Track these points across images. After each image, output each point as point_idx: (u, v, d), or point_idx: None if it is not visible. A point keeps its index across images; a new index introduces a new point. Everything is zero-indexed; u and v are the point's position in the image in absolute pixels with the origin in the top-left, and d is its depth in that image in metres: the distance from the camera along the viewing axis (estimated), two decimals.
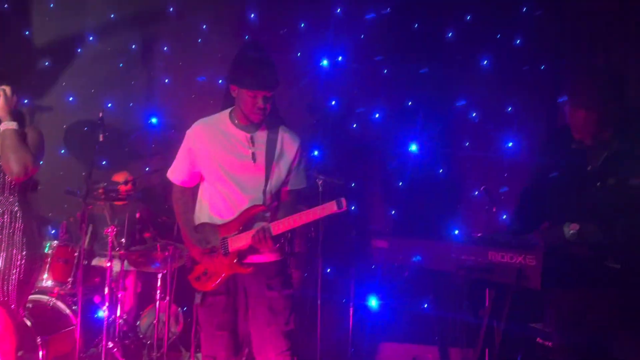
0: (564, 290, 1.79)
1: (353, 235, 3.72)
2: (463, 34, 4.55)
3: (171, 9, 4.92)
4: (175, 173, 2.54)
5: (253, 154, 2.34)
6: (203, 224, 2.39)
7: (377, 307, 3.93)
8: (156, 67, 4.99)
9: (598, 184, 1.87)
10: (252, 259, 2.34)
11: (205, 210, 2.43)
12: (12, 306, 2.24)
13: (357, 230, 3.91)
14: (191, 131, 2.48)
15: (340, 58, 4.73)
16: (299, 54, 4.81)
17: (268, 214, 2.33)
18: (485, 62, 4.49)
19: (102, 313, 3.60)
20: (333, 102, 4.77)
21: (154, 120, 4.90)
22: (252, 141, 2.37)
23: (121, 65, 4.97)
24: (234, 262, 2.30)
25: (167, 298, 3.76)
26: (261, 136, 2.38)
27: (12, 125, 2.22)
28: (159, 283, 4.02)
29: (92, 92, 4.91)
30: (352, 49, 4.75)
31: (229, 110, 2.45)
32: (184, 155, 2.49)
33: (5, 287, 2.21)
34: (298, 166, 2.44)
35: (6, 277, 2.22)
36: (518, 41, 4.45)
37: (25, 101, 4.65)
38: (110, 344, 3.64)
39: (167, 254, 3.68)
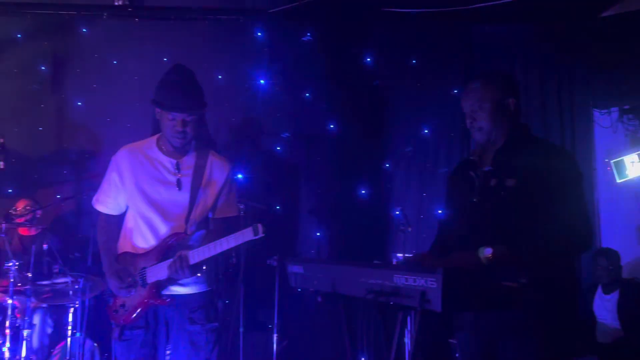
0: (461, 311, 1.85)
1: (273, 260, 3.67)
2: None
3: (84, 30, 4.75)
4: (100, 200, 2.43)
5: (178, 180, 2.28)
6: (124, 254, 2.29)
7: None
8: (68, 89, 4.77)
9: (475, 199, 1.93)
10: (173, 289, 2.24)
11: (129, 239, 2.34)
12: None
13: (280, 254, 3.87)
14: (116, 156, 2.39)
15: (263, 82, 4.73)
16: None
17: (192, 242, 2.25)
18: None
19: (5, 353, 3.33)
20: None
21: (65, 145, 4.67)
22: (178, 167, 2.31)
23: (33, 87, 4.69)
24: (152, 293, 2.20)
25: (80, 333, 3.53)
26: (188, 162, 2.32)
27: None
28: (70, 318, 3.80)
29: None
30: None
31: (157, 135, 2.37)
32: (108, 181, 2.39)
33: None
34: (227, 193, 2.38)
35: None
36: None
37: None
38: None
39: (77, 286, 3.48)
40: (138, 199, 2.29)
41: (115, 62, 4.75)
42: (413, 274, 1.70)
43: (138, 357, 2.22)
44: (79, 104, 4.74)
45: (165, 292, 2.23)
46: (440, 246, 2.12)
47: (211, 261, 2.20)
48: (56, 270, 3.82)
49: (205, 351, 2.24)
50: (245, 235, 2.05)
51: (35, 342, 3.89)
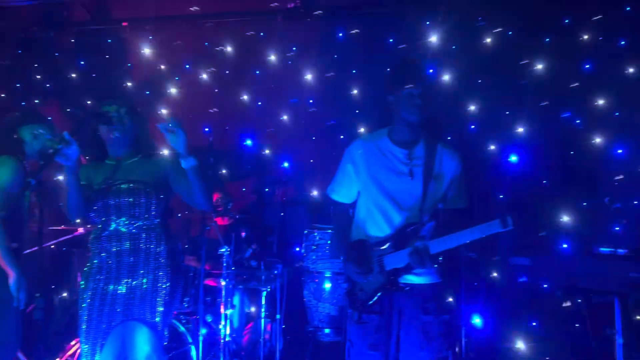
0: None
1: (473, 253, 3.63)
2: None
3: (262, 34, 5.08)
4: (335, 189, 2.57)
5: (410, 170, 2.34)
6: (359, 241, 2.41)
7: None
8: (248, 90, 5.14)
9: None
10: (409, 279, 2.32)
11: (361, 227, 2.44)
12: (160, 328, 2.32)
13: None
14: (350, 148, 2.51)
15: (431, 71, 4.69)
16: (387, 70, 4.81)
17: (425, 233, 2.31)
18: None
19: (222, 331, 3.69)
20: None
21: (248, 142, 5.05)
22: (409, 157, 2.36)
23: (216, 90, 5.15)
24: (389, 281, 2.29)
25: (278, 316, 3.80)
26: (419, 152, 2.37)
27: (194, 161, 2.31)
28: (263, 301, 4.10)
29: (190, 117, 5.12)
30: None
31: (388, 127, 2.47)
32: (343, 171, 2.52)
33: (153, 308, 2.30)
34: (458, 184, 2.39)
35: (154, 298, 2.32)
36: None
37: None
38: None
39: (276, 272, 3.75)
40: (372, 188, 2.38)
41: (289, 62, 5.03)
42: None
43: (373, 341, 2.30)
44: (259, 104, 5.10)
45: (402, 280, 2.30)
46: None
47: (447, 253, 2.22)
48: (250, 256, 4.16)
49: (437, 342, 2.27)
50: (492, 227, 2.04)
51: (235, 322, 4.28)
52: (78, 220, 3.41)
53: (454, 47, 4.60)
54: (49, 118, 3.19)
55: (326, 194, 2.62)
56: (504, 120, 4.45)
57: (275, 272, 3.71)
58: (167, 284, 2.36)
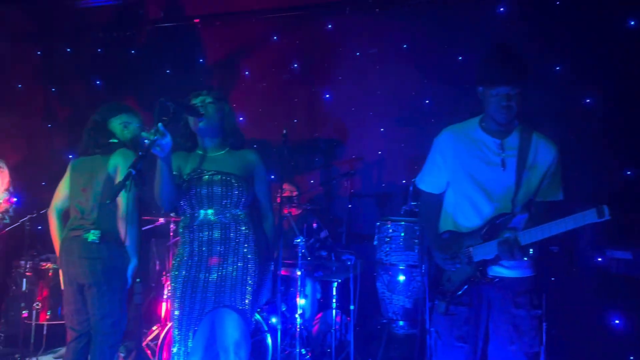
0: None
1: (554, 247, 3.50)
2: None
3: (329, 26, 5.09)
4: (424, 180, 2.54)
5: (503, 160, 2.27)
6: (447, 232, 2.38)
7: None
8: (317, 82, 5.16)
9: None
10: (499, 271, 2.26)
11: (450, 218, 2.40)
12: (248, 315, 2.38)
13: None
14: (439, 138, 2.47)
15: None
16: (460, 58, 4.70)
17: (516, 224, 2.24)
18: None
19: (298, 320, 3.74)
20: None
21: (316, 134, 5.09)
22: (502, 147, 2.29)
23: (285, 84, 5.21)
24: (478, 272, 2.25)
25: (354, 307, 3.80)
26: (512, 142, 2.30)
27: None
28: (334, 291, 4.12)
29: (260, 111, 5.20)
30: None
31: (480, 116, 2.41)
32: (432, 162, 2.49)
33: (243, 296, 2.36)
34: (552, 175, 2.30)
35: (243, 286, 2.37)
36: None
37: None
38: (304, 351, 3.77)
39: (349, 263, 3.76)
40: (462, 179, 2.34)
41: (357, 53, 5.01)
42: None
43: (461, 333, 2.27)
44: (327, 96, 5.12)
45: (491, 272, 2.25)
46: None
47: (538, 245, 2.14)
48: (320, 246, 4.19)
49: (529, 337, 2.20)
50: (587, 217, 1.94)
51: (307, 312, 4.32)
52: (163, 211, 3.58)
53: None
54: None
55: (414, 183, 2.59)
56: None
57: (349, 263, 3.71)
58: (256, 273, 2.41)
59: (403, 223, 3.59)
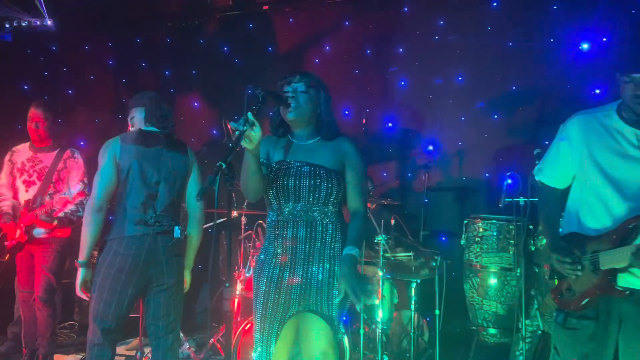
0: None
1: None
2: None
3: (405, 9, 4.78)
4: (545, 172, 2.23)
5: None
6: (571, 234, 2.08)
7: None
8: (389, 69, 4.88)
9: None
10: (631, 282, 1.94)
11: (574, 217, 2.10)
12: (336, 322, 2.16)
13: None
14: (567, 124, 2.17)
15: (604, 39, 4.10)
16: (551, 40, 4.29)
17: None
18: None
19: (380, 325, 3.52)
20: (597, 91, 4.14)
21: (389, 124, 4.81)
22: None
23: (357, 71, 4.97)
24: (606, 282, 1.93)
25: (438, 311, 3.52)
26: None
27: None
28: (412, 292, 3.86)
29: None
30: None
31: (618, 102, 2.09)
32: (557, 150, 2.19)
33: (330, 301, 2.14)
34: None
35: (330, 290, 2.16)
36: None
37: None
38: (386, 358, 3.54)
39: (434, 263, 3.48)
40: (591, 172, 2.02)
41: (436, 37, 4.68)
42: None
43: (586, 350, 1.96)
44: (402, 83, 4.82)
45: (621, 283, 1.92)
46: None
47: None
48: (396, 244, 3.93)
49: None
50: None
51: (385, 313, 4.08)
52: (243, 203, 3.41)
53: None
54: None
55: (533, 175, 2.27)
56: None
57: (433, 263, 3.43)
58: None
59: (495, 222, 3.27)
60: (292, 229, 2.15)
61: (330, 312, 2.13)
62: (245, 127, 1.87)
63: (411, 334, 3.79)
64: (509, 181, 3.23)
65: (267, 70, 5.17)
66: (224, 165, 1.69)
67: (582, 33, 4.14)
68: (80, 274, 2.67)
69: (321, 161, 2.19)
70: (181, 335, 3.89)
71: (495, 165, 4.47)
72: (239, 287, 3.80)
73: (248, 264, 3.88)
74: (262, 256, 2.23)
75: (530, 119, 4.34)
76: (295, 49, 5.16)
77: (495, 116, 4.48)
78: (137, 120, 2.85)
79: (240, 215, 4.05)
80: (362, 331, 3.27)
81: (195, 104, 5.56)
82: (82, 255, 2.65)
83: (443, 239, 4.56)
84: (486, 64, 4.46)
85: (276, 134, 2.31)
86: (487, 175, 4.52)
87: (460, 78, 4.60)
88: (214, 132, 5.43)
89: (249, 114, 1.90)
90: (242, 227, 4.10)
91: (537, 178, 2.24)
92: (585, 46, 4.14)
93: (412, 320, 3.82)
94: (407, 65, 4.80)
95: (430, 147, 4.63)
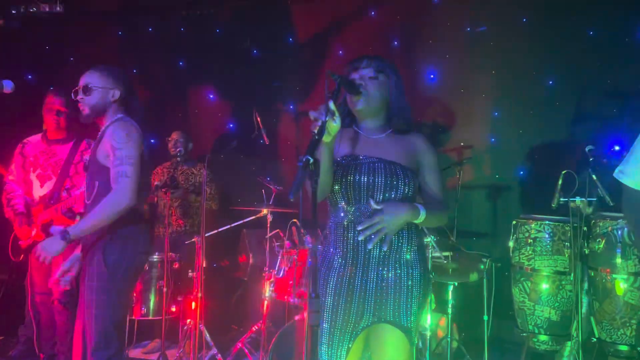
0: None
1: None
2: None
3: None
4: (629, 173, 1.99)
5: None
6: None
7: None
8: (420, 62, 4.68)
9: None
10: None
11: None
12: (413, 334, 1.95)
13: None
14: None
15: None
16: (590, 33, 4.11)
17: None
18: None
19: (428, 333, 3.34)
20: None
21: (418, 119, 4.61)
22: None
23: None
24: None
25: (486, 317, 3.34)
26: None
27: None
28: (449, 296, 3.67)
29: None
30: None
31: None
32: None
33: (408, 311, 1.92)
34: None
35: (407, 299, 1.93)
36: None
37: None
38: None
39: (482, 267, 3.30)
40: None
41: (468, 29, 4.49)
42: None
43: None
44: (432, 76, 4.63)
45: None
46: None
47: None
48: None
49: None
50: None
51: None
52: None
53: None
54: None
55: (615, 177, 2.06)
56: None
57: (482, 267, 3.24)
58: (422, 283, 1.96)
59: (549, 222, 3.09)
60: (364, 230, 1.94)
61: (409, 324, 1.92)
62: (327, 117, 1.66)
63: (448, 339, 3.61)
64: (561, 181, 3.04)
65: (286, 62, 4.94)
66: (311, 160, 1.48)
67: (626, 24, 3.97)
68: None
69: (395, 158, 1.98)
70: (208, 338, 3.68)
71: (531, 162, 4.29)
72: (268, 289, 3.60)
73: (277, 264, 3.68)
74: (327, 262, 2.02)
75: (567, 114, 4.16)
76: (317, 40, 4.93)
77: (530, 112, 4.30)
78: None
79: (265, 214, 3.84)
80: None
81: (211, 96, 5.32)
82: None
83: (474, 239, 4.38)
84: (521, 56, 4.27)
85: (342, 125, 2.09)
86: (521, 173, 4.35)
87: (493, 71, 4.41)
88: (230, 125, 5.20)
89: (330, 103, 1.69)
90: (268, 225, 3.89)
91: (620, 180, 2.03)
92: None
93: (449, 325, 3.64)
94: (436, 58, 4.60)
95: (462, 144, 4.45)
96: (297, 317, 3.09)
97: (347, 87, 1.89)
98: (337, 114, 1.71)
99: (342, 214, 1.98)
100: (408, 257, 1.96)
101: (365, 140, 2.04)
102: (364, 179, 1.94)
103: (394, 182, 1.93)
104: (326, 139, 1.74)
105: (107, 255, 2.35)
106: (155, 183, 4.28)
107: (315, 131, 1.62)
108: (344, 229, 1.97)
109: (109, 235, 2.35)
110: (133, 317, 3.71)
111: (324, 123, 1.64)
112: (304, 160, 1.47)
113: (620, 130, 3.66)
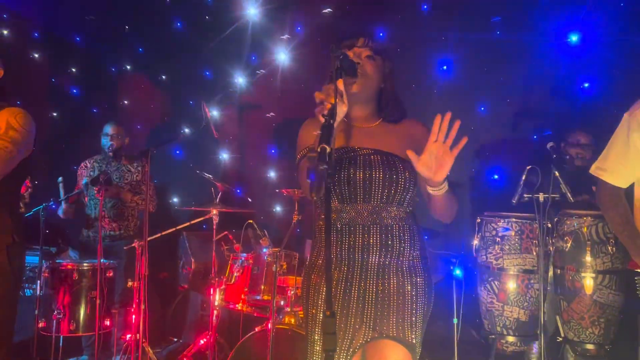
0: None
1: None
2: None
3: None
4: (608, 169, 1.97)
5: None
6: None
7: None
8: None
9: None
10: None
11: None
12: (417, 350, 1.73)
13: None
14: (636, 114, 1.91)
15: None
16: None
17: None
18: None
19: None
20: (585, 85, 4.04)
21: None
22: None
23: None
24: None
25: (456, 320, 3.19)
26: None
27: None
28: None
29: None
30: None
31: None
32: (625, 145, 1.92)
33: (411, 325, 1.69)
34: None
35: (411, 311, 1.70)
36: None
37: None
38: None
39: (452, 267, 3.17)
40: None
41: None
42: None
43: None
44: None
45: None
46: None
47: None
48: None
49: None
50: None
51: None
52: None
53: None
54: None
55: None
56: None
57: (451, 267, 3.11)
58: (426, 293, 1.74)
59: (515, 220, 3.02)
60: (362, 235, 1.70)
61: (413, 339, 1.70)
62: (336, 101, 1.40)
63: None
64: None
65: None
66: (328, 149, 1.21)
67: (569, 25, 4.03)
68: None
69: (392, 149, 1.76)
70: (153, 356, 3.28)
71: (483, 160, 4.26)
72: (218, 297, 3.27)
73: (228, 271, 3.36)
74: (316, 270, 1.76)
75: (516, 112, 4.17)
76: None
77: (482, 108, 4.27)
78: None
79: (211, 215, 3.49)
80: None
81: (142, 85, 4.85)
82: None
83: (425, 237, 4.27)
84: (473, 55, 4.22)
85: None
86: (472, 170, 4.31)
87: (445, 67, 4.33)
88: (166, 118, 4.77)
89: (339, 83, 1.43)
90: (214, 227, 3.54)
91: (597, 176, 2.00)
92: (573, 38, 4.03)
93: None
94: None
95: None
96: (258, 328, 2.79)
97: (346, 67, 1.64)
98: (344, 95, 1.46)
99: (335, 214, 1.73)
100: (411, 263, 1.75)
101: (357, 130, 1.80)
102: (360, 174, 1.70)
103: (394, 176, 1.71)
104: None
105: None
106: (84, 179, 3.80)
107: (327, 114, 1.35)
108: (337, 233, 1.72)
109: None
110: (60, 334, 3.22)
111: (333, 107, 1.38)
112: (319, 150, 1.21)
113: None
